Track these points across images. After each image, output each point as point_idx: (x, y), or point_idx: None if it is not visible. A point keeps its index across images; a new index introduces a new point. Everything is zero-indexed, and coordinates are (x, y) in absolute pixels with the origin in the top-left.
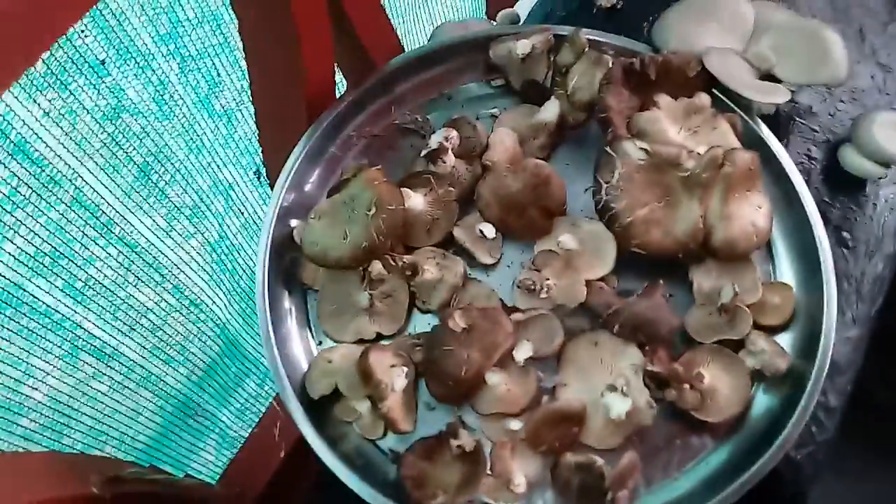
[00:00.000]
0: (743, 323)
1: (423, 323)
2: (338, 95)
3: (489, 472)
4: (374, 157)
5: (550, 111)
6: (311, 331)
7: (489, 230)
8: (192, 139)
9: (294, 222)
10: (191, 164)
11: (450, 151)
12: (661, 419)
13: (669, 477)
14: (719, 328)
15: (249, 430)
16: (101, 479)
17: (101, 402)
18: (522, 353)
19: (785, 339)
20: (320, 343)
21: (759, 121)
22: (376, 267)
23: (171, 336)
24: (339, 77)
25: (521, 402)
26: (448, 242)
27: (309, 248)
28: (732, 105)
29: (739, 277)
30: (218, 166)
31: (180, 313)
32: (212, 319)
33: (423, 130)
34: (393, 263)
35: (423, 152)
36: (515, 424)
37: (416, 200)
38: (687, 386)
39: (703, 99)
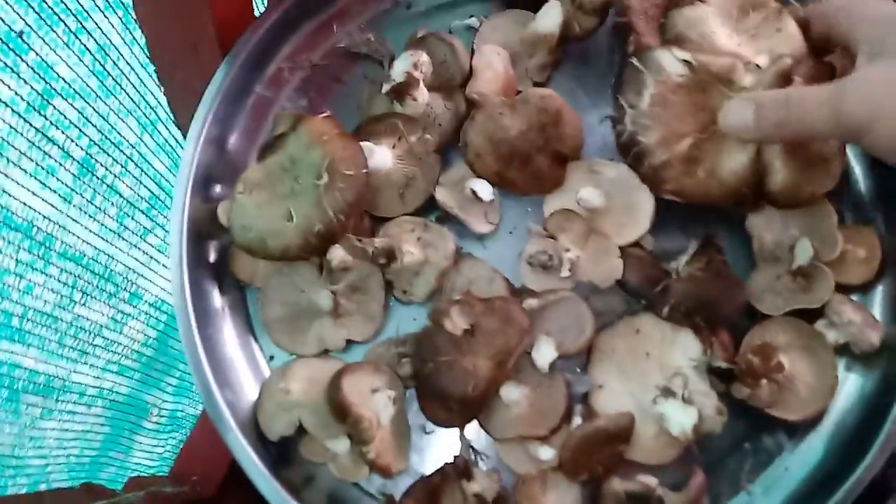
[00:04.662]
0: (823, 287)
1: (405, 318)
2: (258, 13)
3: None
4: (316, 97)
5: (551, 18)
6: (255, 339)
7: (484, 189)
8: (145, 114)
9: (218, 190)
10: (145, 147)
11: (421, 84)
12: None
13: (742, 490)
14: (792, 296)
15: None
16: None
17: (49, 438)
18: (545, 355)
19: (872, 301)
20: (272, 358)
21: None
22: (337, 254)
23: (126, 346)
24: None
25: (550, 422)
26: (429, 208)
27: (241, 235)
28: None
29: (812, 225)
30: (177, 140)
31: (139, 320)
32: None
33: (378, 54)
34: (360, 247)
35: (386, 88)
36: (546, 453)
37: (381, 156)
38: (763, 381)
39: None
